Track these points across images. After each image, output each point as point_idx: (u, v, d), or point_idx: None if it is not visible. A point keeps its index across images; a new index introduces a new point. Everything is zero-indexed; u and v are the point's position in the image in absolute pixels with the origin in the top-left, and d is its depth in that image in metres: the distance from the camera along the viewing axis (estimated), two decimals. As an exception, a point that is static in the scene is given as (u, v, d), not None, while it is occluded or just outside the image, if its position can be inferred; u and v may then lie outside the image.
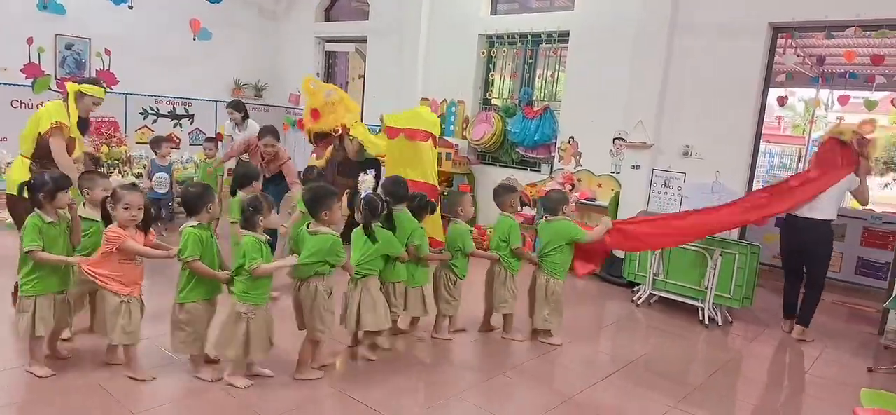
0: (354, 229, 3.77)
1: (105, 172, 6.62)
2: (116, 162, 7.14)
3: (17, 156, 4.09)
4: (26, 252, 3.05)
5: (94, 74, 8.20)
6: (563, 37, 7.15)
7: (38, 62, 7.72)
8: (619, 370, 4.05)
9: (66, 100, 4.08)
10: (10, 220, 4.10)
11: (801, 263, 5.08)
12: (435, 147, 5.47)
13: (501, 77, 7.97)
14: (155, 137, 7.17)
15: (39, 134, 3.89)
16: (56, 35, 7.85)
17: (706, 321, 5.13)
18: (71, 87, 4.13)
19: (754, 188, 6.22)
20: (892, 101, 8.08)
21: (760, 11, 5.76)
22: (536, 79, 7.63)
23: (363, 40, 9.22)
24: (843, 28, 5.64)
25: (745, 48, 5.85)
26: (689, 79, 6.15)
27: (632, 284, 5.82)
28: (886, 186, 14.78)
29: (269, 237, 3.31)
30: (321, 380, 3.42)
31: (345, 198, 5.76)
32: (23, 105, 7.56)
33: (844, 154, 4.83)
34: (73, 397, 3.03)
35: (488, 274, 4.42)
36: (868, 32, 5.78)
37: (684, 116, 6.22)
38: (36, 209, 3.12)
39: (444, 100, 8.19)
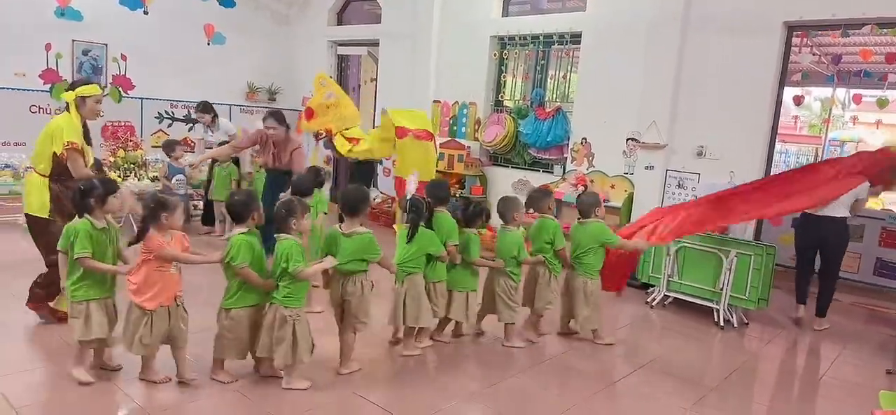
0: (399, 229, 3.95)
1: (122, 176, 6.72)
2: (132, 166, 7.22)
3: (30, 174, 3.92)
4: (76, 259, 3.04)
5: (110, 80, 8.33)
6: (576, 38, 7.13)
7: (55, 68, 7.83)
8: (634, 372, 4.02)
9: (68, 110, 3.83)
10: (24, 223, 3.96)
11: (813, 256, 5.37)
12: (436, 147, 5.55)
13: (513, 79, 7.96)
14: (167, 141, 7.24)
15: (54, 153, 3.73)
16: (73, 41, 7.97)
17: (721, 323, 5.09)
18: (67, 96, 3.84)
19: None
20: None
21: (775, 10, 5.72)
22: (548, 80, 7.62)
23: (375, 44, 9.25)
24: (860, 26, 5.58)
25: (760, 47, 5.80)
26: (702, 79, 6.11)
27: (646, 286, 5.78)
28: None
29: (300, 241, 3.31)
30: (340, 383, 3.44)
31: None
32: (41, 110, 7.68)
33: (880, 164, 4.98)
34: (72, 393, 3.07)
35: (530, 277, 4.41)
36: (884, 30, 5.72)
37: (698, 117, 6.17)
38: (85, 215, 3.09)
39: (456, 102, 8.20)
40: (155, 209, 3.05)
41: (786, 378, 4.35)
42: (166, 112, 8.99)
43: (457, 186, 7.63)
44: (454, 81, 8.17)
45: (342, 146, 6.33)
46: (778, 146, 8.60)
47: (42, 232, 3.78)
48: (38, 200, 3.76)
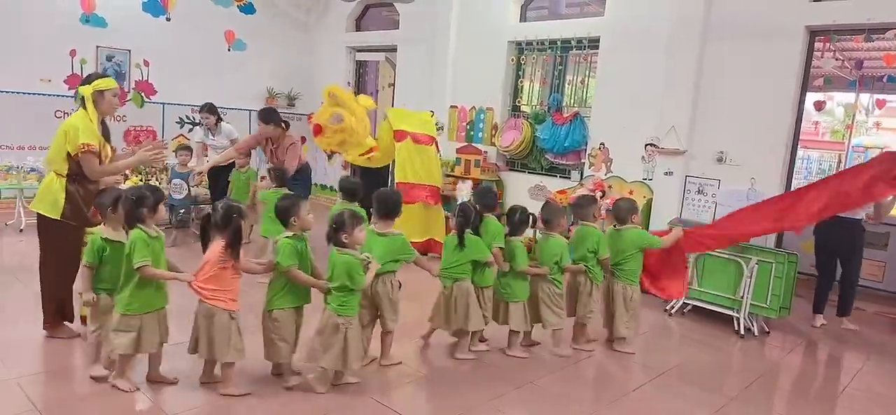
0: (447, 236, 4.09)
1: (143, 180, 6.82)
2: (153, 170, 7.33)
3: (48, 174, 3.69)
4: (137, 268, 2.95)
5: (133, 85, 8.46)
6: (594, 43, 7.11)
7: (80, 73, 7.98)
8: (652, 380, 3.99)
9: (84, 106, 3.59)
10: (40, 209, 3.61)
11: (834, 262, 5.42)
12: (438, 151, 5.54)
13: (530, 83, 7.95)
14: (180, 146, 7.33)
15: (68, 154, 3.54)
16: (97, 47, 8.12)
17: (742, 331, 5.02)
18: (84, 90, 3.59)
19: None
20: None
21: (797, 14, 5.65)
22: (566, 85, 7.59)
23: (393, 49, 9.31)
24: (884, 31, 5.49)
25: (781, 52, 5.73)
26: (722, 84, 6.05)
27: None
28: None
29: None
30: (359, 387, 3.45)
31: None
32: (65, 115, 7.78)
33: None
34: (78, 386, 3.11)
35: (570, 286, 4.38)
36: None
37: (718, 122, 6.11)
38: (138, 224, 3.02)
39: (473, 107, 8.20)
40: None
41: (807, 388, 4.28)
42: (187, 117, 9.11)
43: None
44: (471, 86, 8.18)
45: (358, 161, 6.33)
46: (799, 152, 8.49)
47: (46, 231, 3.60)
48: (50, 199, 3.55)
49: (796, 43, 5.68)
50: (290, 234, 3.27)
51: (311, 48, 10.38)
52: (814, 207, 4.60)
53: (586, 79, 7.38)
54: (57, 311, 3.73)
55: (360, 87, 10.07)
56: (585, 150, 7.17)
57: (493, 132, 7.98)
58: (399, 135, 5.46)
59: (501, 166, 7.98)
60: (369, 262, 3.36)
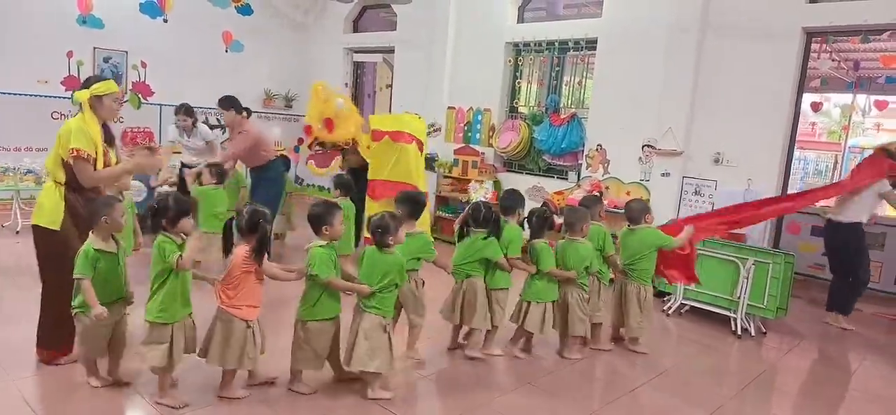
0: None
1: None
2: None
3: (47, 181, 3.49)
4: (175, 259, 2.89)
5: (130, 86, 8.45)
6: (591, 44, 7.12)
7: (77, 75, 7.96)
8: (650, 380, 3.99)
9: (82, 111, 3.40)
10: (39, 222, 3.38)
11: (840, 262, 5.50)
12: (421, 152, 5.51)
13: (528, 85, 7.96)
14: (149, 146, 7.16)
15: (63, 159, 3.34)
16: (94, 48, 8.10)
17: (739, 332, 5.03)
18: (80, 95, 3.39)
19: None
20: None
21: (793, 16, 5.67)
22: (563, 86, 7.61)
23: (391, 50, 9.31)
24: (880, 32, 5.52)
25: (778, 53, 5.75)
26: (719, 85, 6.07)
27: (662, 294, 5.73)
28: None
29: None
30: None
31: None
32: (63, 117, 7.80)
33: (888, 165, 5.15)
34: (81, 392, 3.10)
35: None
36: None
37: (715, 123, 6.13)
38: (162, 232, 2.97)
39: (471, 108, 8.21)
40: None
41: (805, 388, 4.29)
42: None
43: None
44: (469, 88, 8.19)
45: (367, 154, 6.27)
46: (796, 153, 8.51)
47: (45, 243, 3.35)
48: (50, 209, 3.34)
49: (793, 44, 5.70)
50: (323, 243, 3.23)
51: (308, 49, 10.38)
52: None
53: (584, 80, 7.39)
54: (67, 334, 3.36)
55: (357, 89, 10.09)
56: (583, 151, 7.18)
57: (491, 133, 7.99)
58: (376, 135, 5.46)
59: (499, 167, 7.99)
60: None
